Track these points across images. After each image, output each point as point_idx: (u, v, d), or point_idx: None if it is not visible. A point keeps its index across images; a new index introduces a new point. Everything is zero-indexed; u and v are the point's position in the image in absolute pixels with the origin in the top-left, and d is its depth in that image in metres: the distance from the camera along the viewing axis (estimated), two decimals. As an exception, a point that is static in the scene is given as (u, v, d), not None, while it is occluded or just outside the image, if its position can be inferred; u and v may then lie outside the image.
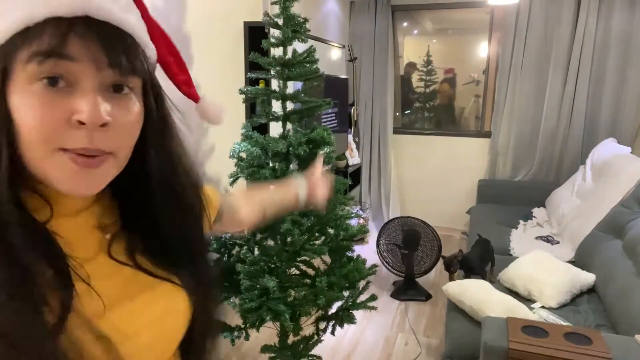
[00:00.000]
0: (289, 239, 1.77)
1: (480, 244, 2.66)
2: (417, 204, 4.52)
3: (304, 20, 1.73)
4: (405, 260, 3.14)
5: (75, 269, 0.48)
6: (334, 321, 1.98)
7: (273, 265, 1.74)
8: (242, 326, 1.88)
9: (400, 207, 4.52)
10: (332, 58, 4.07)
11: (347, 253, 1.92)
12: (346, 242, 1.91)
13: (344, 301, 1.97)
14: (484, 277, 2.44)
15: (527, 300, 2.25)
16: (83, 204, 0.53)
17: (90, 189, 0.48)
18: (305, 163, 1.85)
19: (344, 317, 1.96)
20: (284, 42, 1.70)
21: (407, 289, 3.17)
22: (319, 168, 1.01)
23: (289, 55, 1.72)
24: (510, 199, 3.94)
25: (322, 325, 1.98)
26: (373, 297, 1.98)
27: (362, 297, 2.01)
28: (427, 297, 3.14)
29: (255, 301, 1.63)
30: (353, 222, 3.65)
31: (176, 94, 1.80)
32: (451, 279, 2.48)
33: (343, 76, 3.99)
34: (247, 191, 1.12)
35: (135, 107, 0.50)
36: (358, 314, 2.03)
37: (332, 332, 1.97)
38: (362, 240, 4.13)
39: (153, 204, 0.56)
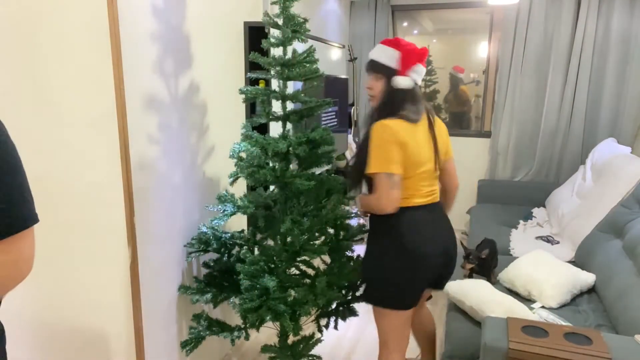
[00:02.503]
0: (288, 239, 1.77)
1: (487, 245, 2.62)
2: (417, 204, 4.51)
3: (303, 20, 1.73)
4: (405, 260, 3.13)
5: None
6: (334, 317, 1.98)
7: (273, 265, 1.74)
8: (242, 326, 1.88)
9: (400, 207, 4.51)
10: (332, 58, 4.07)
11: (347, 253, 1.92)
12: (346, 242, 1.91)
13: (345, 293, 1.97)
14: (489, 279, 2.43)
15: (527, 300, 2.25)
16: None
17: None
18: (305, 163, 1.85)
19: (346, 310, 1.96)
20: (283, 42, 1.70)
21: (407, 289, 3.16)
22: None
23: (289, 55, 1.72)
24: (510, 199, 3.94)
25: (323, 321, 1.98)
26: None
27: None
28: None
29: (255, 301, 1.63)
30: (353, 222, 3.64)
31: (179, 93, 1.79)
32: (465, 272, 2.46)
33: (343, 76, 3.99)
34: None
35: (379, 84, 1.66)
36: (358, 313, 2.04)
37: (335, 327, 1.97)
38: (362, 240, 4.13)
39: None
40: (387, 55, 1.63)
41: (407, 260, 1.62)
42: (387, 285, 1.66)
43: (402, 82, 1.61)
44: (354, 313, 1.98)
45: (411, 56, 1.61)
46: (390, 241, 1.63)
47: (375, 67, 1.65)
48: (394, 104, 1.61)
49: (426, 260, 1.63)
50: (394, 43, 1.63)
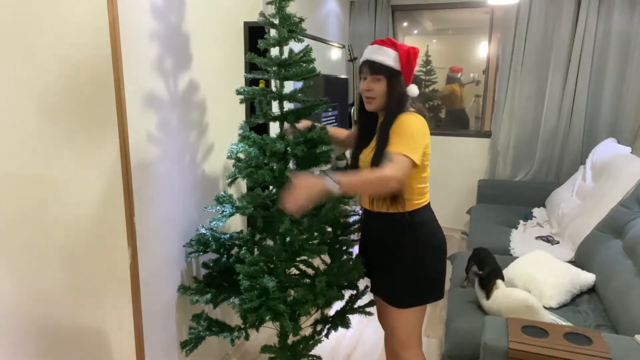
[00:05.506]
0: (287, 239, 1.77)
1: (475, 257, 2.52)
2: (417, 204, 4.51)
3: (299, 19, 1.72)
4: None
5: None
6: (329, 324, 1.97)
7: (272, 266, 1.74)
8: (242, 326, 1.87)
9: (400, 207, 4.51)
10: (332, 58, 4.07)
11: (349, 249, 1.91)
12: (345, 240, 1.91)
13: (345, 302, 1.97)
14: (488, 295, 2.31)
15: (527, 300, 2.25)
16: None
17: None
18: (303, 163, 1.84)
19: (339, 321, 1.95)
20: (280, 42, 1.70)
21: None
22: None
23: (286, 55, 1.72)
24: (510, 199, 3.94)
25: (319, 327, 1.98)
26: (372, 303, 1.97)
27: (363, 300, 2.01)
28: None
29: (255, 301, 1.63)
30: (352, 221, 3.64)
31: (179, 93, 1.80)
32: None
33: (343, 76, 3.99)
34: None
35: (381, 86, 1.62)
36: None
37: (327, 335, 1.97)
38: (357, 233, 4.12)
39: None
40: (387, 56, 1.60)
41: (439, 252, 1.72)
42: (429, 281, 1.71)
43: (414, 90, 1.64)
44: (346, 325, 1.97)
45: (412, 59, 1.62)
46: (423, 239, 1.68)
47: (376, 69, 1.60)
48: (403, 103, 1.62)
49: (446, 247, 1.76)
50: (391, 43, 1.62)
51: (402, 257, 1.68)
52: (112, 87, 1.53)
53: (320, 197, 1.38)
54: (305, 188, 1.36)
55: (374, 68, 1.60)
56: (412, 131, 1.54)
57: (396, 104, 1.60)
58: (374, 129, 1.71)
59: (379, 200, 1.66)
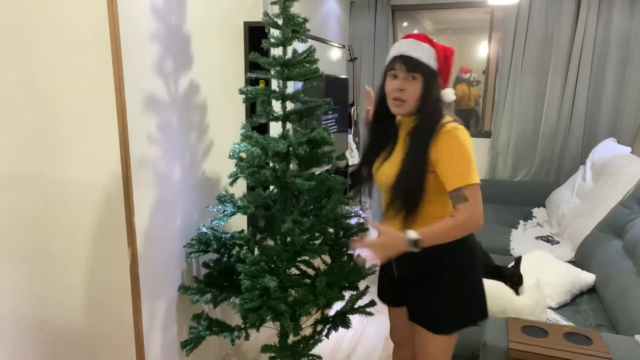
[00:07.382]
0: (289, 239, 1.77)
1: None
2: (417, 204, 4.50)
3: (303, 20, 1.72)
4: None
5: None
6: (330, 324, 1.98)
7: (273, 266, 1.74)
8: (242, 326, 1.87)
9: (400, 207, 4.51)
10: (332, 58, 4.07)
11: (349, 251, 1.92)
12: (346, 241, 1.91)
13: (345, 302, 1.97)
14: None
15: (527, 300, 2.25)
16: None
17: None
18: (305, 163, 1.85)
19: (339, 321, 1.95)
20: (283, 42, 1.70)
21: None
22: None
23: (289, 55, 1.72)
24: (510, 199, 3.95)
25: (319, 327, 1.98)
26: (372, 303, 1.97)
27: (364, 300, 2.01)
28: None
29: (255, 301, 1.63)
30: (353, 221, 3.64)
31: (179, 93, 1.80)
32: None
33: (343, 76, 3.99)
34: None
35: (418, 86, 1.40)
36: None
37: (327, 336, 1.97)
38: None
39: None
40: (424, 53, 1.39)
41: (479, 269, 1.53)
42: (474, 299, 1.51)
43: (450, 95, 1.45)
44: (347, 325, 1.97)
45: (449, 58, 1.43)
46: (466, 258, 1.49)
47: (413, 66, 1.37)
48: (439, 109, 1.42)
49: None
50: (426, 39, 1.42)
51: (444, 277, 1.47)
52: (112, 87, 1.53)
53: (400, 252, 1.34)
54: (388, 248, 1.34)
55: (411, 64, 1.37)
56: (469, 152, 1.34)
57: (431, 109, 1.40)
58: (390, 137, 1.51)
59: (394, 220, 1.45)
